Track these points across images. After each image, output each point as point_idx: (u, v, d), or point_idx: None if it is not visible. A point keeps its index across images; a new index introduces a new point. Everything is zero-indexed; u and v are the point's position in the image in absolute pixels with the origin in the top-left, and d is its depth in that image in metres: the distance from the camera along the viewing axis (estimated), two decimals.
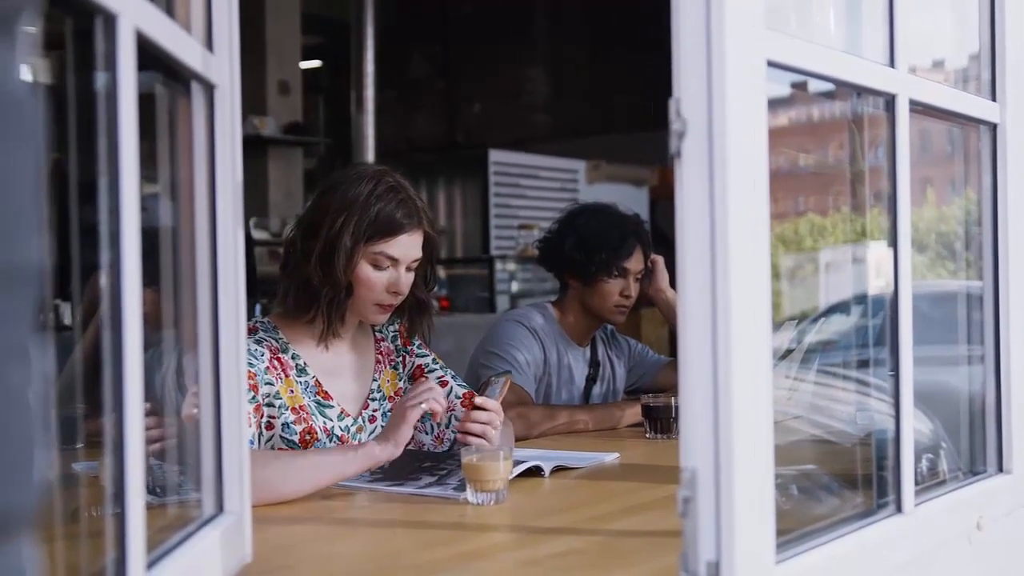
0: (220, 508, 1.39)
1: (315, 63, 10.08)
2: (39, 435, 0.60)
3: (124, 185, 1.02)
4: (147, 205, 1.11)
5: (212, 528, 1.33)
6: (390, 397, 2.38)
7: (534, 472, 2.13)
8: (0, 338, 0.56)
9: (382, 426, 2.31)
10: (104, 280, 1.02)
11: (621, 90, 9.27)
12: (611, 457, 2.39)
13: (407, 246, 2.23)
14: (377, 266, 2.21)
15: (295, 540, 1.72)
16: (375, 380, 2.37)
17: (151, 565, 1.10)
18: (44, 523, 0.74)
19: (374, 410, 2.35)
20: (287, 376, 2.21)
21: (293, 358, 2.25)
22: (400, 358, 2.43)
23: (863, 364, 1.98)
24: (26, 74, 0.59)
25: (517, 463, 2.06)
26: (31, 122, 0.58)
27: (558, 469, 2.21)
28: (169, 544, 1.21)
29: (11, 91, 0.57)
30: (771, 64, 1.26)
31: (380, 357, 2.40)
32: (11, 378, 0.56)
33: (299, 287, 2.23)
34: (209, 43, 1.37)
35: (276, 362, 2.20)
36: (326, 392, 2.26)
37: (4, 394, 0.56)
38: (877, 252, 1.90)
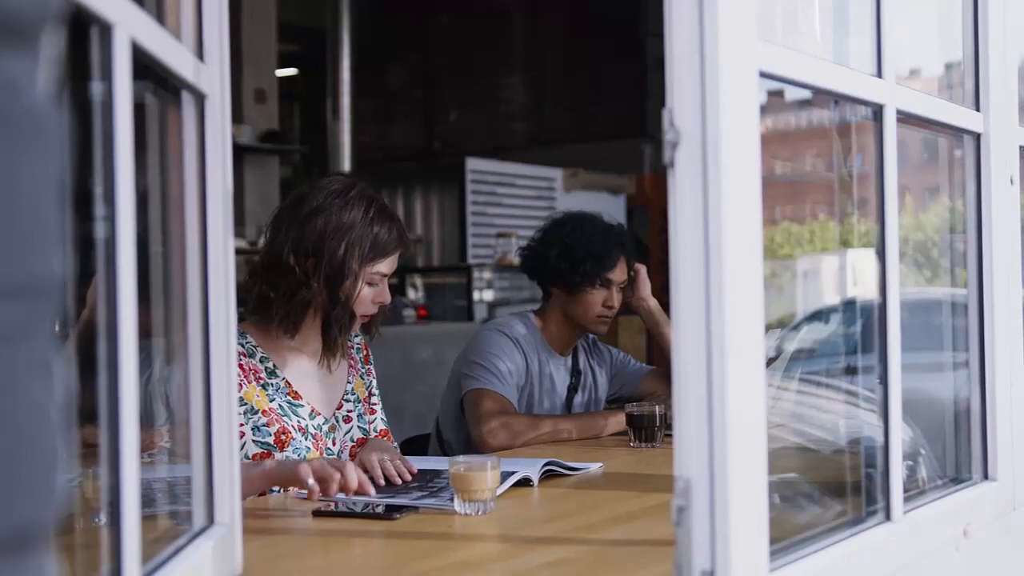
0: (211, 520, 1.38)
1: (291, 71, 10.07)
2: (61, 448, 0.59)
3: (120, 194, 1.02)
4: (136, 214, 1.10)
5: (204, 540, 1.32)
6: (363, 400, 2.47)
7: (522, 482, 2.13)
8: (24, 351, 0.56)
9: (358, 427, 2.42)
10: (100, 290, 1.01)
11: (598, 98, 9.30)
12: (596, 467, 2.39)
13: (395, 261, 2.36)
14: (371, 283, 2.32)
15: (285, 552, 1.71)
16: (349, 382, 2.45)
17: None
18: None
19: (348, 411, 2.43)
20: (251, 383, 2.26)
21: (262, 361, 2.30)
22: (365, 369, 2.53)
23: (845, 372, 1.99)
24: (48, 84, 0.59)
25: (505, 475, 2.06)
26: (55, 134, 0.58)
27: (547, 475, 2.21)
28: (162, 556, 1.20)
29: (36, 104, 0.57)
30: (763, 75, 1.27)
31: (352, 362, 2.49)
32: (35, 392, 0.56)
33: (300, 308, 2.28)
34: (200, 52, 1.36)
35: (238, 368, 2.23)
36: (296, 392, 2.32)
37: (29, 408, 0.56)
38: (855, 260, 1.91)
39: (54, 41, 0.62)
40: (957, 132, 1.86)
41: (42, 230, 0.57)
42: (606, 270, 3.03)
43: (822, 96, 1.63)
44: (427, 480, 2.16)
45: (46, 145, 0.57)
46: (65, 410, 0.61)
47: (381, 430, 2.49)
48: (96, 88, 1.02)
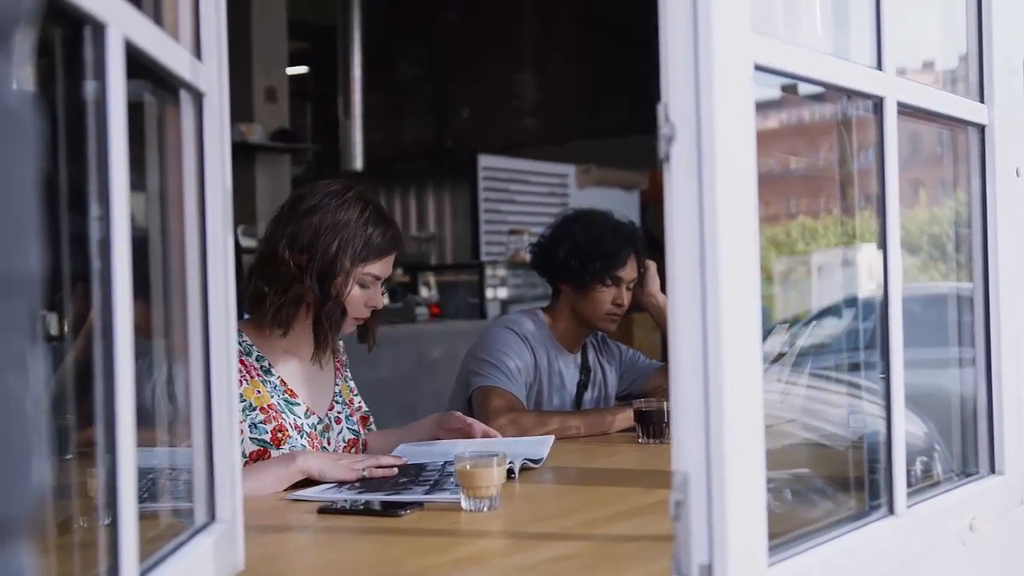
0: (212, 516, 1.38)
1: (302, 69, 10.07)
2: (37, 444, 0.60)
3: (114, 194, 1.02)
4: (135, 214, 1.10)
5: (205, 536, 1.33)
6: (347, 403, 2.51)
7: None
8: (1, 344, 0.56)
9: (348, 428, 2.46)
10: (96, 290, 1.02)
11: (610, 94, 9.28)
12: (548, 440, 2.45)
13: (390, 265, 2.39)
14: (363, 285, 2.35)
15: (287, 548, 1.72)
16: (336, 385, 2.50)
17: (144, 574, 1.10)
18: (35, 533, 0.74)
19: (338, 412, 2.47)
20: (252, 378, 2.30)
21: (258, 360, 2.34)
22: (348, 372, 2.58)
23: (855, 367, 1.99)
24: (22, 83, 0.60)
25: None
26: (28, 131, 0.59)
27: (527, 471, 2.25)
28: (162, 553, 1.21)
29: (8, 101, 0.57)
30: (758, 68, 1.27)
31: (339, 366, 2.54)
32: (10, 386, 0.57)
33: (293, 303, 2.31)
34: (197, 51, 1.36)
35: (239, 365, 2.26)
36: (292, 391, 2.36)
37: (3, 403, 0.56)
38: (868, 254, 1.90)
39: (28, 40, 0.62)
40: (961, 124, 1.85)
41: (19, 226, 0.58)
42: (616, 268, 3.02)
43: (829, 90, 1.62)
44: (416, 476, 2.16)
45: (22, 142, 0.58)
46: (41, 404, 0.61)
47: (362, 417, 2.55)
48: (90, 88, 1.03)
